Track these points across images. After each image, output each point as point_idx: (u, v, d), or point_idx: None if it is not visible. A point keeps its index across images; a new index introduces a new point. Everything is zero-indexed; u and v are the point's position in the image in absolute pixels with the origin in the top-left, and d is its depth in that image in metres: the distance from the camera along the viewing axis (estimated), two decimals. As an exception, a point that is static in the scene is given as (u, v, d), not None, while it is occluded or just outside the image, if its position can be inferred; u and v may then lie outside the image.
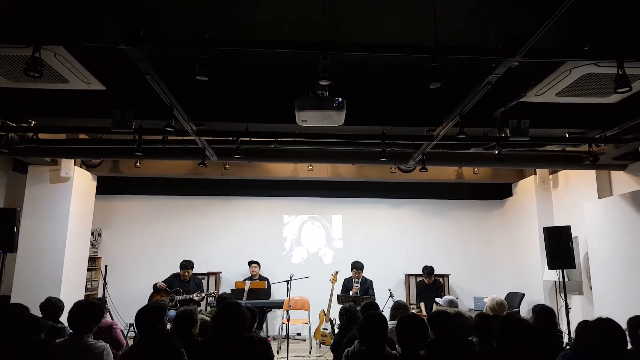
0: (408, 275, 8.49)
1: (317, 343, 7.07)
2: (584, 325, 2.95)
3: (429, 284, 7.85)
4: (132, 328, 7.48)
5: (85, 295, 7.53)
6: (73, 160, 7.13)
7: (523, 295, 7.55)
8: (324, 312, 7.06)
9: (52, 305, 4.31)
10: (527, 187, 8.14)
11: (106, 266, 8.32)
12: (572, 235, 6.32)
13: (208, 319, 4.23)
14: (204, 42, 3.23)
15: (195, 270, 7.57)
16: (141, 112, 4.67)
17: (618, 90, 3.50)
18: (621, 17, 3.47)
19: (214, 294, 7.51)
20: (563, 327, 6.34)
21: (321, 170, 7.77)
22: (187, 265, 7.36)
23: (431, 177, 7.72)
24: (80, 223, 7.42)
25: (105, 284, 8.17)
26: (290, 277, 6.64)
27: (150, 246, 8.65)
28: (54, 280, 6.73)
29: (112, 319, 7.16)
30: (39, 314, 3.95)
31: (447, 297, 5.89)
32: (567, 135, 5.47)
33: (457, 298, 6.81)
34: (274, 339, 7.74)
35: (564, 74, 4.07)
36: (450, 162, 6.71)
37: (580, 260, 6.81)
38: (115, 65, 4.11)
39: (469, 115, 4.44)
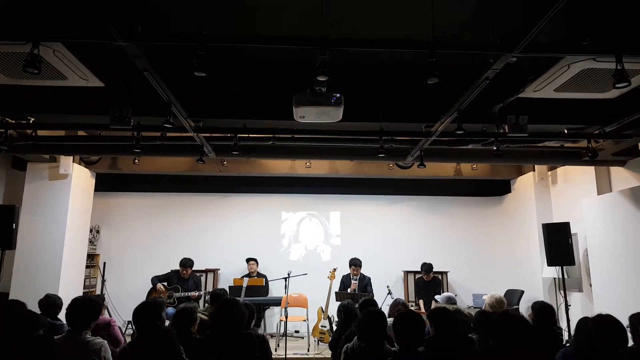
0: (407, 272, 8.49)
1: (315, 340, 7.06)
2: (584, 322, 2.95)
3: (428, 281, 7.82)
4: (130, 325, 7.48)
5: (83, 292, 7.52)
6: (72, 157, 7.15)
7: (522, 292, 7.54)
8: (322, 309, 7.05)
9: (51, 303, 4.31)
10: (525, 183, 8.13)
11: (104, 263, 8.33)
12: (572, 232, 6.32)
13: (205, 317, 4.22)
14: (202, 37, 3.23)
15: (193, 268, 7.56)
16: (140, 109, 4.68)
17: (617, 86, 3.50)
18: (619, 12, 3.46)
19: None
20: (563, 324, 6.32)
21: (319, 167, 7.76)
22: (186, 263, 7.35)
23: (429, 174, 7.72)
24: (79, 220, 7.42)
25: (103, 281, 8.18)
26: (288, 274, 6.64)
27: (149, 243, 8.64)
28: (52, 277, 6.73)
29: (110, 316, 7.17)
30: (37, 310, 3.94)
31: (445, 294, 5.88)
32: (566, 131, 5.44)
33: (456, 295, 6.77)
34: (272, 336, 7.72)
35: (563, 69, 4.05)
36: (448, 159, 6.71)
37: (580, 257, 6.79)
38: (113, 62, 4.11)
39: (467, 111, 4.44)
